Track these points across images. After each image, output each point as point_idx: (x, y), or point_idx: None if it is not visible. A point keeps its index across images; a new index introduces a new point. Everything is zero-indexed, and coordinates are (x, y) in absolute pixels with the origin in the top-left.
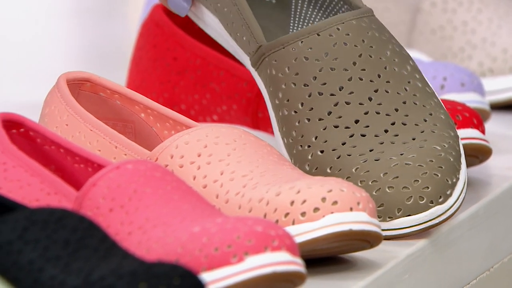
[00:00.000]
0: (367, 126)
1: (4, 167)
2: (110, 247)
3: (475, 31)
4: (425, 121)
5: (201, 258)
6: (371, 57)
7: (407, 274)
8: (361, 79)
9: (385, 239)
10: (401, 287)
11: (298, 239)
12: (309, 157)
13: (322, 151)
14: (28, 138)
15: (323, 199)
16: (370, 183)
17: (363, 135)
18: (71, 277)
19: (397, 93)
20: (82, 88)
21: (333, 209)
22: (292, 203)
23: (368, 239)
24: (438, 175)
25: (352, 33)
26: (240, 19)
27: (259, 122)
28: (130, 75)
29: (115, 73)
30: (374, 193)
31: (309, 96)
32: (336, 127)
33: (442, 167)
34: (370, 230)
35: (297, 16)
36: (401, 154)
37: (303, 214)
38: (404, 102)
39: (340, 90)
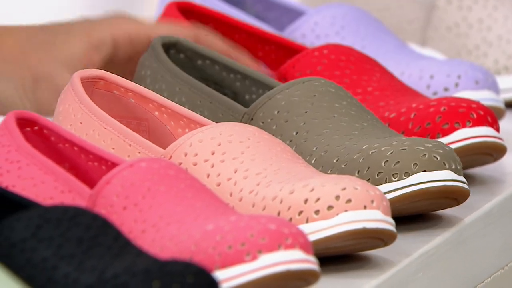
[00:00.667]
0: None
1: (18, 165)
2: (124, 245)
3: (490, 29)
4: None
5: (215, 256)
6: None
7: (421, 272)
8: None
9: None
10: (414, 285)
11: (312, 237)
12: None
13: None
14: (42, 136)
15: (337, 197)
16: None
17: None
18: (84, 275)
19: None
20: (96, 86)
21: (347, 207)
22: (306, 201)
23: (382, 237)
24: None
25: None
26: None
27: None
28: None
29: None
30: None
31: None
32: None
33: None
34: (384, 228)
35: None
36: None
37: (316, 212)
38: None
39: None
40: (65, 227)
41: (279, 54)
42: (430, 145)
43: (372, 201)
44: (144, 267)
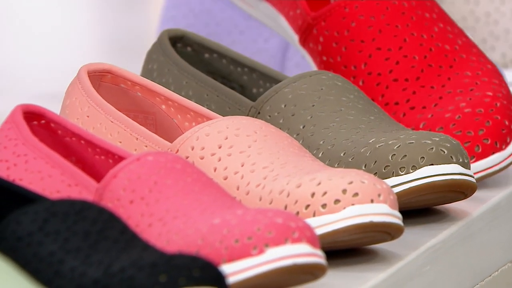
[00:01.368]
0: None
1: (25, 159)
2: (131, 238)
3: (498, 22)
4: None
5: (222, 249)
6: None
7: (428, 266)
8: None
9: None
10: (422, 279)
11: (319, 231)
12: None
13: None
14: (49, 130)
15: (344, 191)
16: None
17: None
18: (91, 269)
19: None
20: (103, 80)
21: (354, 201)
22: (312, 194)
23: (389, 231)
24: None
25: None
26: None
27: None
28: None
29: (136, 64)
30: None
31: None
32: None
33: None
34: (391, 222)
35: None
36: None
37: (323, 206)
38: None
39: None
40: (71, 220)
41: None
42: (437, 139)
43: (379, 195)
44: (150, 260)
